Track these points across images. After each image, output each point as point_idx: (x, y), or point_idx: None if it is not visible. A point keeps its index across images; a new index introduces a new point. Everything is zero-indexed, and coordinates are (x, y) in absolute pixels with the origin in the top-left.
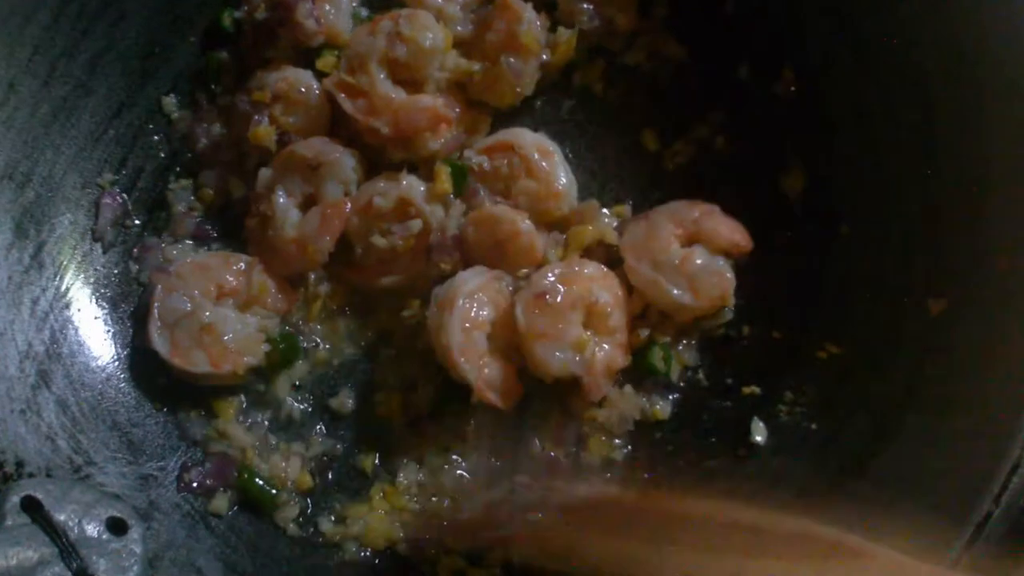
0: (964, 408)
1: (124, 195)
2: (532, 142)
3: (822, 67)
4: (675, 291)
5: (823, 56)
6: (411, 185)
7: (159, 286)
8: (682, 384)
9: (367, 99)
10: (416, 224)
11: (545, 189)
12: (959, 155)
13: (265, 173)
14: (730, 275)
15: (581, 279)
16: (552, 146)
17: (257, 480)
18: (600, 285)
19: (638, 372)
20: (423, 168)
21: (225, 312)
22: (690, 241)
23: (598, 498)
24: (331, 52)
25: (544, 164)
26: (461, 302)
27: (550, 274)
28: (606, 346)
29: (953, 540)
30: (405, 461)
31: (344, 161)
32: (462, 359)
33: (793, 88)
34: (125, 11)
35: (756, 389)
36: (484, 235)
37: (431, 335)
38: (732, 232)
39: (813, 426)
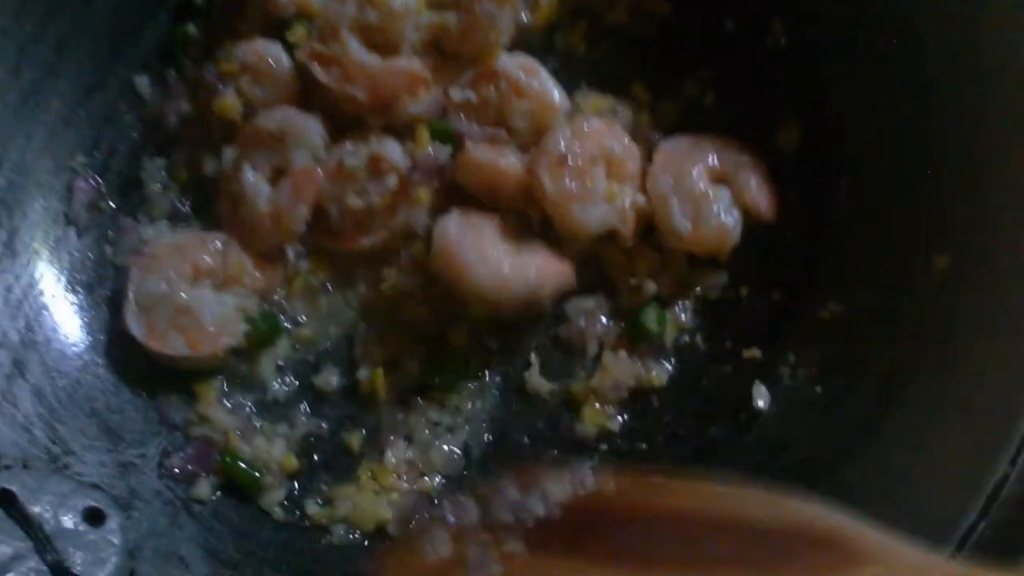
0: (972, 367)
1: (97, 177)
2: (513, 62)
3: (811, 17)
4: (678, 216)
5: (812, 5)
6: (381, 141)
7: (134, 269)
8: (679, 349)
9: (341, 67)
10: (392, 179)
11: (539, 105)
12: (957, 100)
13: (230, 152)
14: (736, 234)
15: (593, 135)
16: (534, 62)
17: (240, 464)
18: (609, 136)
19: (631, 337)
20: (405, 132)
21: (202, 293)
22: (720, 181)
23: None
24: (301, 23)
25: (533, 82)
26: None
27: (562, 138)
28: (628, 191)
29: (967, 507)
30: (392, 438)
31: (310, 127)
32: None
33: (783, 40)
34: None
35: (757, 353)
36: (474, 180)
37: (437, 269)
38: (759, 195)
39: (818, 389)
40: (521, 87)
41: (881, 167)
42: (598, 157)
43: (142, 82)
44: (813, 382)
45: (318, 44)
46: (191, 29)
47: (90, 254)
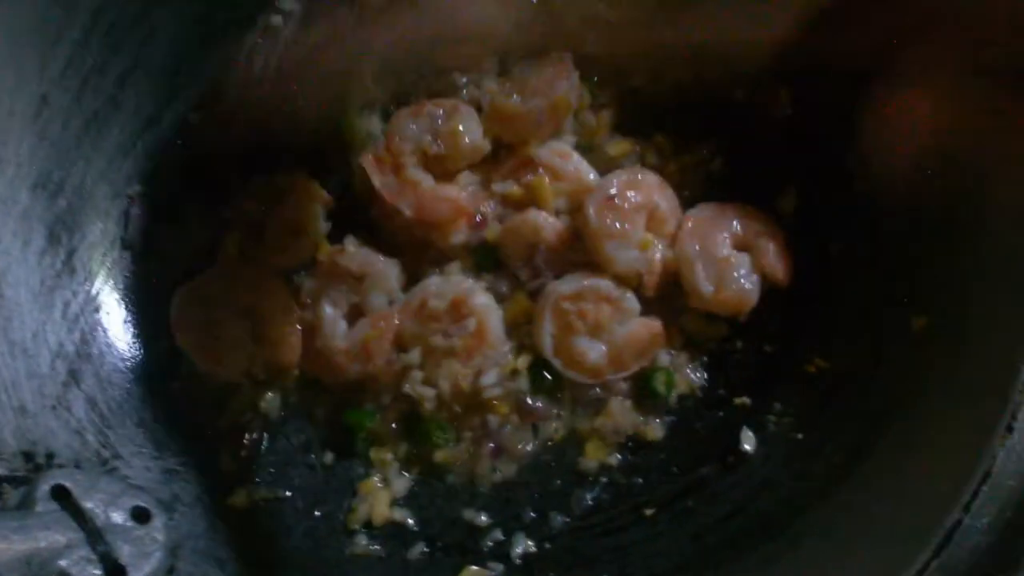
0: (940, 422)
1: (152, 206)
2: (547, 150)
3: (817, 91)
4: (702, 279)
5: (817, 80)
6: (464, 283)
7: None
8: (678, 400)
9: (396, 178)
10: (471, 323)
11: (577, 185)
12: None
13: (309, 283)
14: (755, 296)
15: (644, 186)
16: (564, 145)
17: None
18: (660, 193)
19: (639, 393)
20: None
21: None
22: (742, 247)
23: None
24: None
25: (567, 165)
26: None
27: (616, 181)
28: (660, 245)
29: (924, 547)
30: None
31: (387, 272)
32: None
33: (789, 111)
34: (154, 28)
35: (747, 400)
36: (520, 240)
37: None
38: (776, 262)
39: (799, 436)
40: (557, 171)
41: (868, 235)
42: (643, 207)
43: (197, 119)
44: (795, 429)
45: (383, 151)
46: None
47: (144, 277)
